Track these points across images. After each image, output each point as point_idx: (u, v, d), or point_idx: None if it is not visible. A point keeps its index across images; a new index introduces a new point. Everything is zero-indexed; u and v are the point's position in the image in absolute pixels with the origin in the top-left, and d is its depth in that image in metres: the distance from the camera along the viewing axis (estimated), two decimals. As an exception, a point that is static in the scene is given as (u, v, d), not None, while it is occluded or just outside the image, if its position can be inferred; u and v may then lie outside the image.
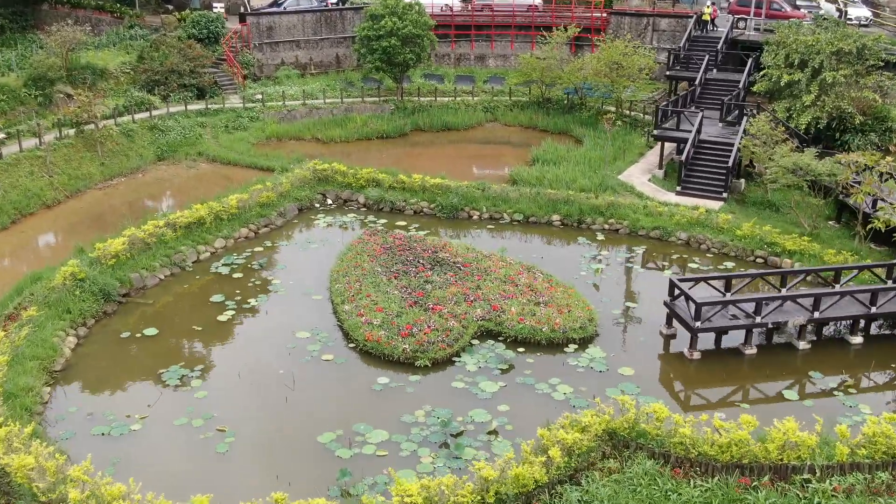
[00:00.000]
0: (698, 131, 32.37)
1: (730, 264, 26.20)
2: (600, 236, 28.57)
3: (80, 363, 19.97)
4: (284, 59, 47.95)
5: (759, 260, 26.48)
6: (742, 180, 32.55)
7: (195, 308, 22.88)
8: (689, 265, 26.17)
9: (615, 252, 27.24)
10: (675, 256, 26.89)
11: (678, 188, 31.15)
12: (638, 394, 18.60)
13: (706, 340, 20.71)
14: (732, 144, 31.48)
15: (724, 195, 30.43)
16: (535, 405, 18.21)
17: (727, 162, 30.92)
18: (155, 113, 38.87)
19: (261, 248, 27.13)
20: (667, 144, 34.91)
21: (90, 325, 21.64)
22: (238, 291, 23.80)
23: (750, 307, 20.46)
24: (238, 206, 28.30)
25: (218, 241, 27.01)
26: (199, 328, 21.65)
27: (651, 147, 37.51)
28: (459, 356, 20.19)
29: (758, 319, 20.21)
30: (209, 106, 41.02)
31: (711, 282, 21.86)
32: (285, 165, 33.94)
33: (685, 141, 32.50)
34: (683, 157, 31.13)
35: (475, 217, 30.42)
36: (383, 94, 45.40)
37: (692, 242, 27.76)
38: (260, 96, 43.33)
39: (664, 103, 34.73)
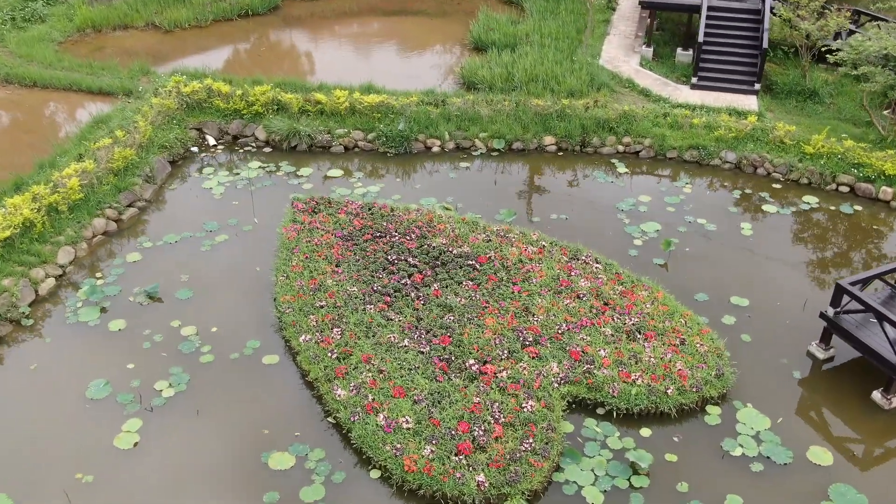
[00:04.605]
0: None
1: (812, 200, 19.29)
2: (621, 167, 20.57)
3: None
4: None
5: (842, 188, 19.71)
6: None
7: (64, 419, 13.08)
8: (765, 208, 18.97)
9: (657, 195, 19.43)
10: (736, 194, 19.53)
11: (694, 79, 23.21)
12: (872, 512, 11.76)
13: (847, 351, 13.84)
14: (759, 13, 23.65)
15: (756, 86, 22.94)
16: (737, 574, 10.91)
17: (758, 41, 23.17)
18: None
19: (137, 256, 16.96)
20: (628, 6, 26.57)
21: None
22: (130, 366, 14.09)
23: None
24: (81, 184, 17.62)
25: (62, 254, 16.56)
26: (88, 477, 12.09)
27: (613, 9, 29.02)
28: (560, 469, 12.28)
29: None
30: (-23, -14, 27.55)
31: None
32: (127, 84, 22.78)
33: (692, 10, 24.32)
34: (701, 38, 22.99)
35: (435, 149, 21.32)
36: (230, -53, 32.92)
37: (744, 166, 20.47)
38: (51, -38, 29.86)
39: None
